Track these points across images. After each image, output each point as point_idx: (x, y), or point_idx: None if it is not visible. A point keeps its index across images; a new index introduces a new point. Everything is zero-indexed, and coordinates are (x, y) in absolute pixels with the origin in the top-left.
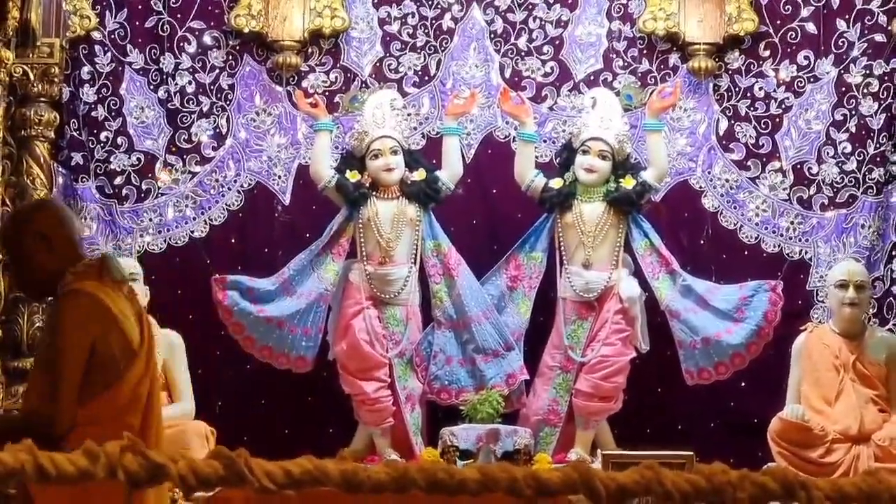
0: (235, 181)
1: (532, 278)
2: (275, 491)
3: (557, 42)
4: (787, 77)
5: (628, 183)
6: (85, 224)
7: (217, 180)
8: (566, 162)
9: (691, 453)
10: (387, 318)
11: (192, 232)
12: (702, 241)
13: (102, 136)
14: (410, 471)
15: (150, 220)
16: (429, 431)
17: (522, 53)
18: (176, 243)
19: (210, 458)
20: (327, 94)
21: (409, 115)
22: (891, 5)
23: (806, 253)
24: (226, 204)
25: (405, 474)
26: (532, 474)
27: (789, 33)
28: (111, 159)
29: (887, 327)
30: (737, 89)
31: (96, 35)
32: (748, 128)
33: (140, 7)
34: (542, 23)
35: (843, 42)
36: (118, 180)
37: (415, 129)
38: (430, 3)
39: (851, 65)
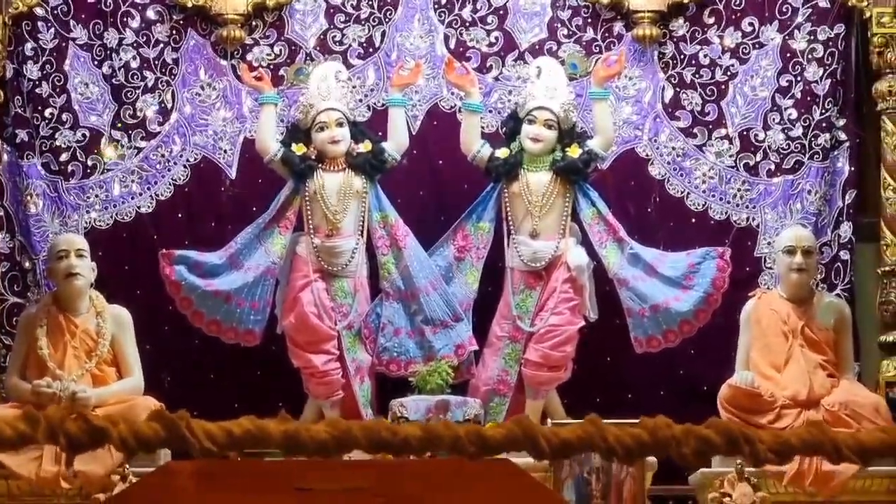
0: (181, 156)
1: (479, 248)
2: (216, 452)
3: (502, 12)
4: (732, 44)
5: (574, 152)
6: (31, 201)
7: (163, 155)
8: (512, 131)
9: None
10: (335, 290)
11: (139, 207)
12: (649, 209)
13: (47, 112)
14: (353, 429)
15: (97, 196)
16: (378, 403)
17: (467, 24)
18: (123, 219)
19: (150, 420)
20: (272, 67)
21: (354, 87)
22: None
23: (753, 219)
24: (172, 179)
25: (347, 433)
26: (475, 431)
27: (733, 0)
28: (56, 136)
29: (835, 292)
30: (682, 57)
31: (39, 11)
32: (694, 95)
33: None
34: None
35: (787, 8)
36: (64, 157)
37: (360, 100)
38: None
39: (796, 31)
